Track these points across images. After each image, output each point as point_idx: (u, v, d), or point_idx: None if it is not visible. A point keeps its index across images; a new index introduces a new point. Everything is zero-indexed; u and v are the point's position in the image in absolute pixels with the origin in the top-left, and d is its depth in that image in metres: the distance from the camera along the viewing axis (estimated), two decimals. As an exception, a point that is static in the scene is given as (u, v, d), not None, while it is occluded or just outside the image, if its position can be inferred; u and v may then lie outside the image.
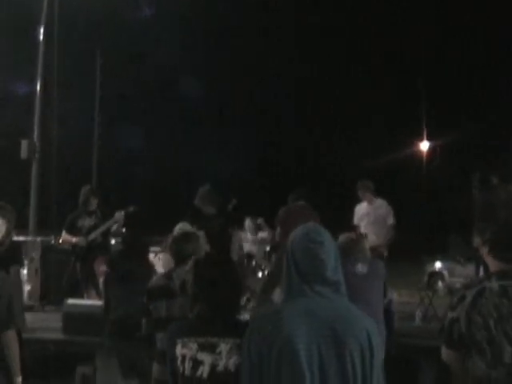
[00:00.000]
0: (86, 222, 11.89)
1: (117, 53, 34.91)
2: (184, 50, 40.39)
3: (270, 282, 6.01)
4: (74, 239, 11.81)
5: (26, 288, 13.78)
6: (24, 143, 18.25)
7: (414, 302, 13.70)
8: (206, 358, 3.86)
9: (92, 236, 11.81)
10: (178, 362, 3.91)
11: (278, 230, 11.35)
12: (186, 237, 6.47)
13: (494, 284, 3.40)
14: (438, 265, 21.58)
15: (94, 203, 12.09)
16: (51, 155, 19.38)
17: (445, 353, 3.53)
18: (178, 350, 3.93)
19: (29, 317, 10.69)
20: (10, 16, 28.47)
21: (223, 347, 3.85)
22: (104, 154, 32.48)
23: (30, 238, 16.34)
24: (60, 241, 12.56)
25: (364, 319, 3.52)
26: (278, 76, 41.08)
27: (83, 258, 11.79)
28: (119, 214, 11.82)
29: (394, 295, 11.93)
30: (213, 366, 3.85)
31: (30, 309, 12.66)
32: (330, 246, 3.55)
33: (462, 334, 3.43)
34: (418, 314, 11.87)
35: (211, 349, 3.86)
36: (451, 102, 40.04)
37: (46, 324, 11.19)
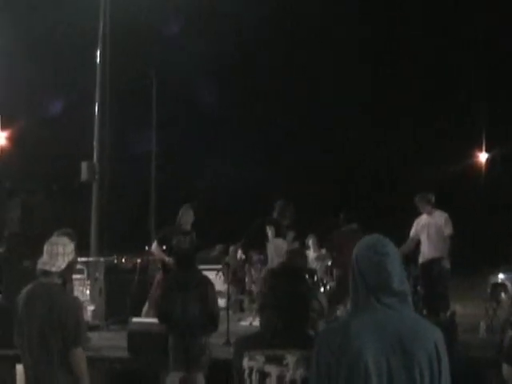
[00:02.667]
0: (181, 242, 11.93)
1: (171, 73, 35.20)
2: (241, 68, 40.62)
3: (335, 299, 6.04)
4: (167, 259, 11.81)
5: (91, 308, 13.96)
6: (84, 165, 18.47)
7: (478, 313, 13.54)
8: (273, 370, 3.86)
9: None
10: (246, 375, 3.92)
11: (334, 254, 11.37)
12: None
13: None
14: (501, 276, 21.27)
15: (189, 224, 12.18)
16: (109, 176, 19.61)
17: (506, 369, 3.53)
18: (245, 363, 3.93)
19: (94, 336, 10.84)
20: (69, 39, 29.01)
21: (290, 359, 3.84)
22: (162, 174, 32.69)
23: (92, 259, 16.54)
24: (152, 252, 12.63)
25: (431, 330, 3.50)
26: (341, 93, 41.10)
27: None
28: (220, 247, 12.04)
29: (457, 307, 11.86)
30: (280, 378, 3.85)
31: (95, 328, 12.81)
32: (395, 257, 3.54)
33: None
34: (482, 325, 11.77)
35: (278, 361, 3.86)
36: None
37: (111, 343, 11.31)
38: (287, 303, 3.98)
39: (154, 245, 12.36)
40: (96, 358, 9.84)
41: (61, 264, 5.70)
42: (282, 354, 3.87)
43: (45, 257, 5.73)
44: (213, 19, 37.69)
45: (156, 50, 35.24)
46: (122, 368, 10.06)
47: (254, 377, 3.89)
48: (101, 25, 19.46)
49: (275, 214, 11.39)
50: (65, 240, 5.92)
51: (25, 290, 5.83)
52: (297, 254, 8.40)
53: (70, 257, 5.79)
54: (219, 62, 39.87)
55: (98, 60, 19.44)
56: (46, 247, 5.76)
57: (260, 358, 3.89)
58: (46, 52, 33.95)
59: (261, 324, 4.12)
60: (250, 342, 4.03)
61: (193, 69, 38.06)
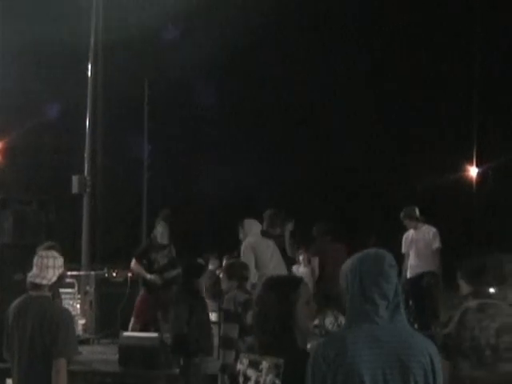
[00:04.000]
0: (159, 256, 11.92)
1: (164, 83, 35.20)
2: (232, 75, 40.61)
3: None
4: (149, 276, 11.77)
5: (81, 321, 13.93)
6: (75, 178, 18.47)
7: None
8: (253, 375, 3.97)
9: (168, 276, 11.81)
10: (238, 378, 4.03)
11: (316, 261, 11.35)
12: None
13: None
14: (491, 290, 21.35)
15: (165, 237, 12.14)
16: (100, 189, 19.61)
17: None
18: (238, 366, 4.05)
19: (85, 350, 10.83)
20: (60, 50, 29.03)
21: (264, 365, 3.93)
22: (154, 185, 32.64)
23: (83, 272, 16.51)
24: (130, 269, 12.62)
25: (426, 343, 3.52)
26: (331, 98, 41.15)
27: (155, 292, 11.77)
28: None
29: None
30: (256, 383, 3.94)
31: (86, 342, 12.78)
32: (396, 270, 3.61)
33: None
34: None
35: (256, 366, 3.96)
36: (504, 126, 39.70)
37: (102, 357, 11.29)
38: (273, 314, 4.04)
39: (133, 262, 12.20)
40: (87, 371, 9.84)
41: (51, 277, 5.71)
42: (259, 359, 3.96)
43: (35, 270, 5.72)
44: (207, 25, 37.71)
45: (149, 58, 35.20)
46: (113, 382, 10.04)
47: (240, 379, 4.01)
48: (92, 35, 19.47)
49: (265, 226, 11.35)
50: (54, 253, 5.93)
51: (15, 303, 5.84)
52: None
53: (60, 270, 5.80)
54: (213, 67, 39.84)
55: (90, 71, 19.44)
56: (35, 260, 5.76)
57: (245, 362, 4.01)
58: (37, 63, 33.93)
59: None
60: (243, 346, 4.16)
61: (186, 74, 38.04)
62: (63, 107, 32.10)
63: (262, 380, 3.91)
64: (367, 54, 43.58)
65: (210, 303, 17.34)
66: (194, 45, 37.09)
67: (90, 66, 19.43)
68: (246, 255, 9.82)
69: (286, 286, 4.18)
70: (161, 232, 12.08)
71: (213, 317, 16.59)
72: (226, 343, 7.47)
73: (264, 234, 10.55)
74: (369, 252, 3.65)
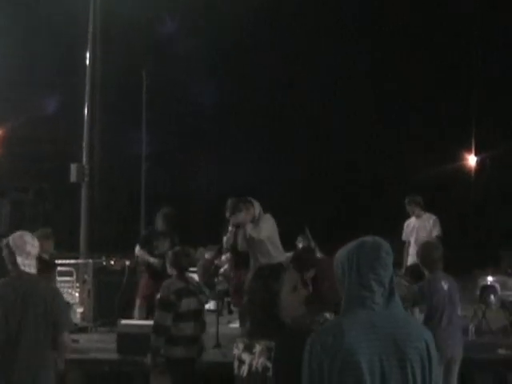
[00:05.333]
0: (160, 242, 12.04)
1: (162, 74, 35.18)
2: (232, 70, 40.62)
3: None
4: (152, 260, 11.97)
5: (79, 310, 13.94)
6: (73, 167, 18.45)
7: (467, 315, 13.57)
8: (247, 358, 4.01)
9: None
10: (234, 362, 4.09)
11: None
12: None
13: None
14: (489, 278, 21.36)
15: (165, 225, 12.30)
16: (98, 178, 19.59)
17: None
18: (234, 349, 4.10)
19: (83, 338, 10.83)
20: (59, 39, 28.99)
21: (257, 348, 3.97)
22: (152, 176, 32.65)
23: (81, 261, 16.51)
24: (136, 255, 12.73)
25: (422, 329, 3.55)
26: (329, 91, 41.21)
27: (158, 277, 11.83)
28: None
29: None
30: (250, 366, 3.99)
31: (84, 330, 12.79)
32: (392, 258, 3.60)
33: None
34: (471, 327, 11.80)
35: (250, 349, 4.00)
36: (501, 115, 39.70)
37: (100, 345, 11.30)
38: (260, 301, 4.09)
39: (137, 248, 12.47)
40: (85, 359, 9.85)
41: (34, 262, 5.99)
42: (253, 343, 4.00)
43: (22, 258, 5.88)
44: (206, 18, 37.68)
45: (147, 50, 35.19)
46: (110, 370, 10.05)
47: (235, 364, 4.06)
48: (90, 25, 19.44)
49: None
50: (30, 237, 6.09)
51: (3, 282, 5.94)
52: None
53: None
54: (213, 66, 39.89)
55: (88, 61, 19.42)
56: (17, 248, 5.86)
57: (240, 347, 4.06)
58: (35, 52, 33.91)
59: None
60: (241, 333, 4.23)
61: (184, 68, 38.04)
62: (61, 97, 32.09)
63: (254, 363, 3.95)
64: (367, 54, 43.55)
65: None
66: (194, 40, 37.07)
67: (88, 56, 19.40)
68: None
69: (269, 275, 4.24)
70: (160, 219, 12.28)
71: (211, 305, 16.70)
72: (156, 329, 7.86)
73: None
74: (366, 239, 3.63)
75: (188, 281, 8.10)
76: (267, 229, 10.50)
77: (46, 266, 9.04)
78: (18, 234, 6.06)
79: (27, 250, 5.93)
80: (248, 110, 40.95)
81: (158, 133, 35.30)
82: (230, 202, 11.70)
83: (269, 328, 3.89)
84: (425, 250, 8.22)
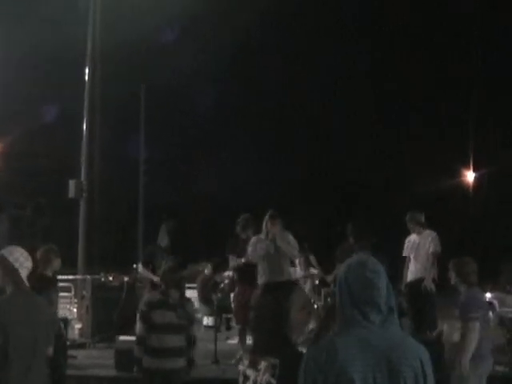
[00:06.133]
0: (164, 260, 12.00)
1: (161, 88, 35.21)
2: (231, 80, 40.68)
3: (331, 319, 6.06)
4: (156, 279, 11.70)
5: (78, 326, 13.93)
6: (72, 183, 18.44)
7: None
8: (251, 374, 4.03)
9: None
10: (239, 377, 4.11)
11: (338, 266, 11.21)
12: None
13: None
14: (488, 295, 21.36)
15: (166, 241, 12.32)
16: (97, 194, 19.55)
17: None
18: (239, 365, 4.12)
19: (81, 354, 10.82)
20: (57, 52, 29.02)
21: (262, 364, 3.99)
22: (151, 188, 32.61)
23: (79, 276, 16.49)
24: (137, 275, 12.73)
25: (417, 348, 3.53)
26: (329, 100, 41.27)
27: None
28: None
29: (444, 327, 11.83)
30: (254, 382, 4.00)
31: (82, 346, 12.77)
32: (384, 276, 3.59)
33: None
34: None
35: (255, 366, 4.01)
36: (500, 131, 39.79)
37: (98, 361, 11.28)
38: (268, 317, 4.10)
39: (140, 267, 12.45)
40: (83, 376, 9.82)
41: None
42: (257, 359, 4.01)
43: (24, 274, 5.88)
44: (206, 27, 37.73)
45: (146, 62, 35.26)
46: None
47: (240, 379, 4.08)
48: (89, 38, 19.45)
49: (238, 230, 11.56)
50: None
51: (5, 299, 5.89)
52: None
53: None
54: (213, 67, 39.90)
55: (87, 76, 19.41)
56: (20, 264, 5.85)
57: (245, 363, 4.08)
58: (34, 66, 33.98)
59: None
60: (247, 349, 4.24)
61: (184, 74, 38.07)
62: (60, 111, 32.10)
63: (259, 379, 3.96)
64: (367, 54, 43.62)
65: (202, 307, 17.47)
66: (193, 45, 37.11)
67: (87, 70, 19.40)
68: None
69: (280, 291, 4.23)
70: (160, 235, 12.28)
71: (209, 321, 16.66)
72: (137, 340, 8.13)
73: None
74: (352, 260, 3.67)
75: (167, 294, 8.12)
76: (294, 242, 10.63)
77: (48, 283, 9.07)
78: (15, 249, 6.01)
79: (28, 265, 5.94)
80: (248, 111, 41.01)
81: (159, 143, 35.38)
82: (242, 218, 11.74)
83: (274, 345, 3.90)
84: (460, 265, 8.05)
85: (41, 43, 31.63)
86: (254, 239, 10.83)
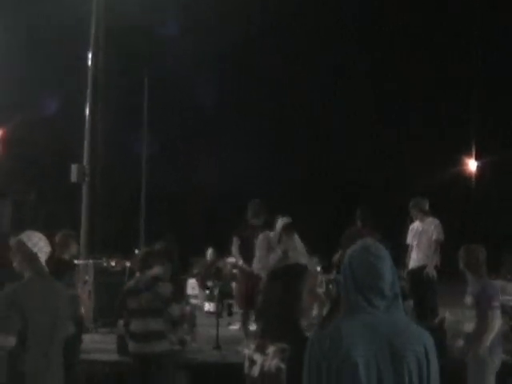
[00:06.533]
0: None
1: (164, 77, 35.19)
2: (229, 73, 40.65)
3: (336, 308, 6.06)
4: None
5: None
6: (74, 167, 18.43)
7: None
8: (258, 358, 4.01)
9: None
10: (245, 362, 4.09)
11: (340, 252, 11.20)
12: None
13: None
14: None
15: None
16: (99, 179, 19.55)
17: None
18: (245, 350, 4.11)
19: (83, 339, 10.83)
20: (60, 39, 28.98)
21: (271, 349, 3.97)
22: (152, 178, 32.61)
23: (81, 261, 16.51)
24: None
25: (422, 333, 3.54)
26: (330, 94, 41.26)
27: None
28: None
29: (446, 314, 11.87)
30: (261, 366, 3.99)
31: (85, 331, 12.77)
32: (388, 261, 3.58)
33: None
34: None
35: (262, 350, 4.00)
36: (502, 118, 39.74)
37: (100, 346, 11.32)
38: (276, 302, 4.08)
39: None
40: (85, 360, 9.85)
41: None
42: (266, 344, 4.00)
43: (43, 259, 5.86)
44: (210, 19, 37.63)
45: (149, 49, 35.15)
46: (111, 371, 10.06)
47: (246, 363, 4.06)
48: (92, 26, 19.41)
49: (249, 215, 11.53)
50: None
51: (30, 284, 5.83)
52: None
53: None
54: (212, 61, 39.83)
55: (90, 62, 19.39)
56: (39, 249, 5.81)
57: (252, 347, 4.06)
58: (36, 53, 33.91)
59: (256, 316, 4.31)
60: (252, 333, 4.25)
61: (186, 68, 38.00)
62: (62, 97, 32.08)
63: (267, 364, 3.94)
64: (367, 54, 43.55)
65: (202, 293, 17.55)
66: (194, 41, 37.07)
67: (90, 55, 19.38)
68: None
69: (291, 274, 4.22)
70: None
71: (210, 307, 16.71)
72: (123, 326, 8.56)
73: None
74: (357, 246, 3.67)
75: (138, 279, 8.41)
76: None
77: (67, 267, 9.11)
78: (34, 234, 5.96)
79: (46, 250, 5.92)
80: (248, 111, 40.93)
81: (161, 132, 35.33)
82: (253, 203, 11.70)
83: (283, 329, 3.89)
84: (470, 253, 8.09)
85: (43, 30, 31.61)
86: (263, 240, 10.70)
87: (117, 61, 25.54)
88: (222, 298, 16.10)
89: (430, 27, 42.51)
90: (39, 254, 5.82)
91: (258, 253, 10.86)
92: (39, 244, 5.85)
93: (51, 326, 5.70)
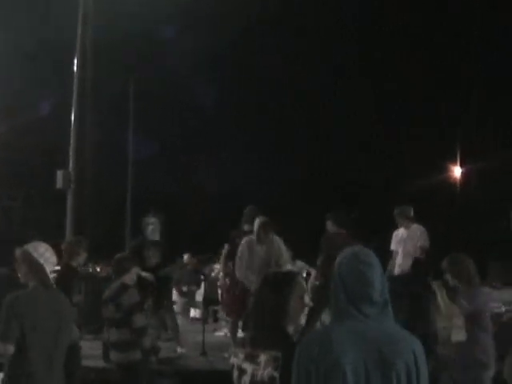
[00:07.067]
0: (151, 252, 11.96)
1: (150, 79, 35.12)
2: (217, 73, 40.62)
3: (315, 311, 6.11)
4: (143, 273, 11.57)
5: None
6: (59, 173, 18.39)
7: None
8: (249, 368, 3.98)
9: (161, 273, 11.88)
10: (232, 371, 4.06)
11: (321, 258, 11.25)
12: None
13: None
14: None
15: (158, 234, 12.22)
16: (86, 185, 19.49)
17: None
18: (231, 359, 4.08)
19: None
20: (45, 44, 28.88)
21: (262, 358, 3.95)
22: (139, 181, 32.55)
23: (67, 267, 16.43)
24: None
25: (411, 340, 3.55)
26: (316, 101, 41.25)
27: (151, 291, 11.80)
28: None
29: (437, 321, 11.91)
30: (253, 376, 3.96)
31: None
32: (378, 268, 3.60)
33: None
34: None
35: (253, 359, 3.98)
36: (487, 127, 39.87)
37: (86, 352, 11.26)
38: (267, 310, 4.07)
39: None
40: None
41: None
42: (257, 352, 3.98)
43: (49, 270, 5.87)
44: (204, 18, 37.56)
45: (136, 53, 35.11)
46: (96, 377, 10.05)
47: (235, 373, 4.03)
48: (79, 32, 19.36)
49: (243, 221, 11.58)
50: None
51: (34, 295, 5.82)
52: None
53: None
54: (211, 61, 39.80)
55: (76, 67, 19.34)
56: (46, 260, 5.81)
57: (241, 356, 4.03)
58: (23, 58, 33.80)
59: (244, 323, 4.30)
60: (239, 341, 4.22)
61: (183, 68, 37.93)
62: (50, 102, 31.99)
63: (259, 373, 3.93)
64: (368, 54, 43.58)
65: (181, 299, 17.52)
66: (192, 41, 36.99)
67: (76, 61, 19.34)
68: None
69: (281, 280, 4.22)
70: (151, 228, 12.16)
71: (196, 313, 16.72)
72: None
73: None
74: (346, 253, 3.69)
75: (110, 288, 8.48)
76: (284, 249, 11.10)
77: (73, 274, 9.12)
78: (40, 244, 5.93)
79: (53, 260, 5.90)
80: (247, 111, 40.91)
81: (153, 136, 35.33)
82: (248, 209, 11.72)
83: (274, 337, 3.89)
84: (459, 263, 7.88)
85: (30, 33, 31.50)
86: (244, 244, 10.93)
87: (105, 63, 25.46)
88: (208, 305, 16.13)
89: (429, 27, 42.52)
90: (45, 265, 5.80)
91: (237, 260, 10.98)
92: (45, 255, 5.83)
93: (56, 329, 5.72)
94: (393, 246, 12.77)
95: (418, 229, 12.60)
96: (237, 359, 4.07)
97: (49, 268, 5.84)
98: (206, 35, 38.20)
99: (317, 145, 42.50)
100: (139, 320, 8.04)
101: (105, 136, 29.95)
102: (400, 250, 12.61)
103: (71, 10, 19.70)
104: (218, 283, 14.99)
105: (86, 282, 14.33)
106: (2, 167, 29.86)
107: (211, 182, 37.79)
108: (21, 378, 5.60)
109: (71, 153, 19.00)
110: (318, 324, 7.46)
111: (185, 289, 17.57)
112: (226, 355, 10.30)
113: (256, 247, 10.87)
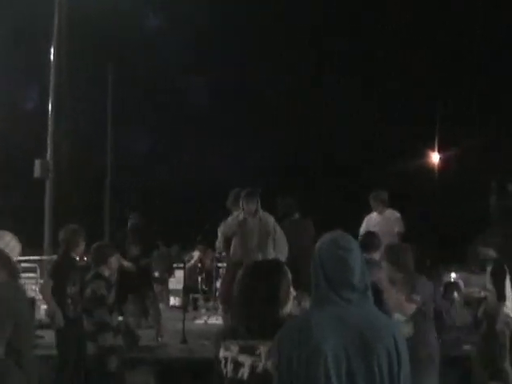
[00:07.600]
0: (132, 244, 11.95)
1: (129, 66, 34.93)
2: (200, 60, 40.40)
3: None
4: (125, 263, 11.59)
5: (44, 306, 13.85)
6: (37, 162, 18.32)
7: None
8: (246, 360, 3.93)
9: (142, 263, 11.87)
10: (222, 365, 3.99)
11: None
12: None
13: None
14: (453, 275, 21.52)
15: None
16: (64, 174, 19.44)
17: None
18: (221, 353, 4.01)
19: (47, 334, 10.80)
20: (21, 32, 28.66)
21: (262, 349, 3.91)
22: (118, 169, 32.42)
23: (45, 257, 16.41)
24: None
25: (391, 325, 3.58)
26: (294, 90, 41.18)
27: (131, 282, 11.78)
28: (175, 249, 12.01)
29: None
30: (252, 368, 3.91)
31: (48, 326, 12.71)
32: (357, 253, 3.59)
33: None
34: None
35: (251, 351, 3.93)
36: (465, 112, 39.97)
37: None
38: (259, 297, 4.03)
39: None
40: (50, 355, 9.81)
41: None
42: (255, 344, 3.93)
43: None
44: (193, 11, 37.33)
45: (114, 41, 34.83)
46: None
47: (229, 367, 3.96)
48: (56, 17, 19.25)
49: (228, 203, 11.45)
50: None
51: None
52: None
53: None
54: (209, 58, 39.63)
55: (52, 56, 19.25)
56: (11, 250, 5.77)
57: (234, 348, 3.97)
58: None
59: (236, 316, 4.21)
60: (226, 333, 4.13)
61: (175, 60, 37.70)
62: (28, 90, 31.79)
63: (260, 365, 3.88)
64: (368, 54, 43.52)
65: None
66: (182, 32, 36.81)
67: (52, 50, 19.24)
68: None
69: (270, 269, 4.19)
70: (132, 222, 12.23)
71: (176, 301, 16.72)
72: None
73: None
74: (326, 237, 3.68)
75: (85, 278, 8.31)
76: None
77: (71, 265, 9.07)
78: (5, 233, 5.90)
79: (18, 249, 5.85)
80: (247, 110, 40.80)
81: (126, 127, 35.14)
82: (233, 192, 11.60)
83: (272, 327, 3.85)
84: (400, 253, 7.44)
85: (5, 22, 31.25)
86: (229, 220, 10.91)
87: (81, 50, 25.30)
88: (188, 293, 16.11)
89: (432, 26, 42.50)
90: (11, 254, 5.76)
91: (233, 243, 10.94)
92: (11, 243, 5.79)
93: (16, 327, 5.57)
94: (362, 231, 12.66)
95: (392, 214, 12.56)
96: (230, 352, 3.99)
97: (14, 257, 5.79)
98: (195, 26, 37.99)
99: (319, 143, 42.47)
100: (99, 314, 7.88)
101: (83, 124, 29.84)
102: (375, 234, 12.57)
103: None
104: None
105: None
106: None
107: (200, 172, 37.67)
108: None
109: (49, 142, 18.93)
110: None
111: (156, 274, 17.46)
112: (206, 343, 10.30)
113: (247, 224, 10.79)
